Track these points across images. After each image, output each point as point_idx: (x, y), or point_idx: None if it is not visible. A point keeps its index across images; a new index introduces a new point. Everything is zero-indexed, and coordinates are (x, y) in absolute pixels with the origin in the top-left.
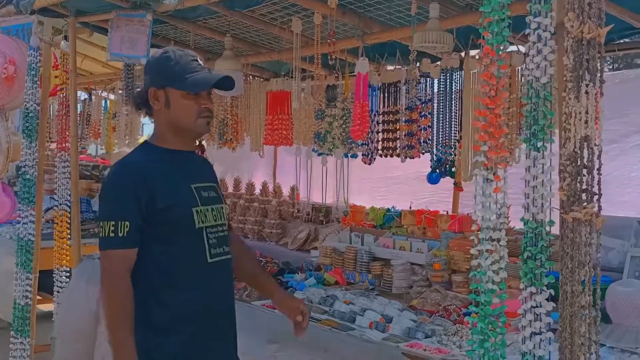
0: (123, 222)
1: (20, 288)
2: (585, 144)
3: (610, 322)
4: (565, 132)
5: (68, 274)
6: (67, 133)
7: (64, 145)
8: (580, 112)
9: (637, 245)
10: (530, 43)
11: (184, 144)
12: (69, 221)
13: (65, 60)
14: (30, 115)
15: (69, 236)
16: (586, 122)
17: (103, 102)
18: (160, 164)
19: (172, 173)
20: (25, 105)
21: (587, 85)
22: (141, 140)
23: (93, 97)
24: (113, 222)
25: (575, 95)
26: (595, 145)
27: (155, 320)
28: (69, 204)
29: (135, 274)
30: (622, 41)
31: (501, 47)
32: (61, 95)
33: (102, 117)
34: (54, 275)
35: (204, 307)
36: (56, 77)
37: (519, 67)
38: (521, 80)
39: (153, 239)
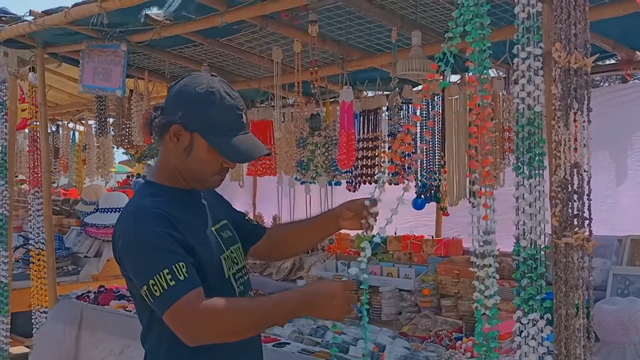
0: (177, 265)
1: None
2: (575, 170)
3: (597, 340)
4: (555, 160)
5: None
6: (38, 169)
7: (37, 181)
8: (569, 140)
9: (617, 263)
10: (519, 72)
11: (190, 185)
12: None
13: (33, 93)
14: None
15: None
16: (575, 149)
17: (71, 133)
18: (178, 208)
19: (192, 217)
20: None
21: (575, 114)
22: (113, 170)
23: (61, 129)
24: (167, 271)
25: (564, 124)
26: (585, 171)
27: None
28: (43, 243)
29: (155, 337)
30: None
31: (484, 77)
32: (30, 129)
33: (70, 150)
34: (32, 316)
35: None
36: (24, 110)
37: (500, 92)
38: (503, 105)
39: None
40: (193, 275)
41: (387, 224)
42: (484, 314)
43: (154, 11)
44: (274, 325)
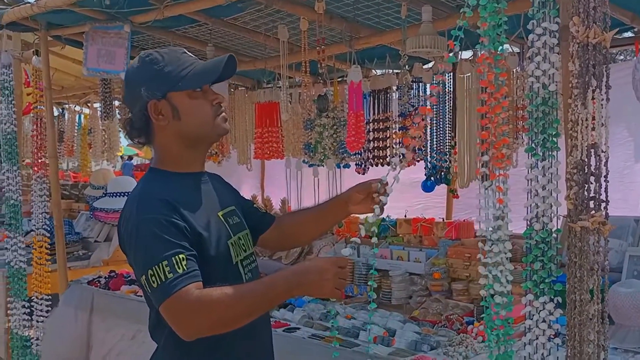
0: (176, 257)
1: (18, 317)
2: (592, 151)
3: (612, 323)
4: (571, 140)
5: (49, 301)
6: (42, 153)
7: (40, 166)
8: (587, 119)
9: (634, 244)
10: (534, 49)
11: (197, 163)
12: (48, 246)
13: (37, 77)
14: (8, 137)
15: (48, 262)
16: (593, 129)
17: (77, 117)
18: (183, 193)
19: (198, 202)
20: (2, 127)
21: (593, 92)
22: (119, 153)
23: (67, 112)
24: (166, 262)
25: (582, 102)
26: (603, 152)
27: None
28: (47, 229)
29: (163, 327)
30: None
31: (499, 54)
32: (34, 113)
33: (75, 133)
34: (32, 302)
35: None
36: (29, 94)
37: (514, 69)
38: (517, 82)
39: None
40: (192, 269)
41: (382, 203)
42: (489, 305)
43: None
44: (268, 308)
